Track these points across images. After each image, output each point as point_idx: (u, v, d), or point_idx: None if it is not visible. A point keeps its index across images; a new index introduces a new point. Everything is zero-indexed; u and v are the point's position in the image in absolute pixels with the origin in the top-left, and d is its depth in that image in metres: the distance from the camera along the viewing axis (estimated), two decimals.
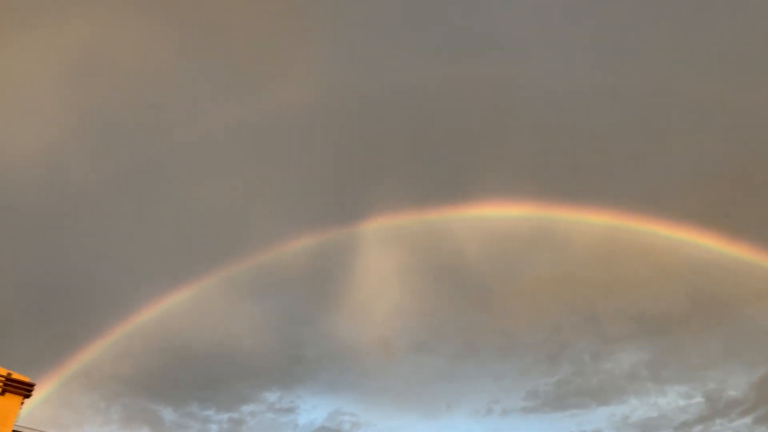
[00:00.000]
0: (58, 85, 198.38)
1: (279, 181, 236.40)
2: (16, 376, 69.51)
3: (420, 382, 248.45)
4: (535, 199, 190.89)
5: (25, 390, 69.74)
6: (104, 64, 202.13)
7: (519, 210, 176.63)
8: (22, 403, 69.25)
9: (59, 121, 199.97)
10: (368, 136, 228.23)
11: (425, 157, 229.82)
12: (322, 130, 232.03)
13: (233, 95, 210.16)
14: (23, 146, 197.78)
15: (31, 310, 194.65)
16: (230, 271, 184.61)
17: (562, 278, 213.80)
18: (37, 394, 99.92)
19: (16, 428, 68.41)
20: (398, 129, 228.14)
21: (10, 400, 68.10)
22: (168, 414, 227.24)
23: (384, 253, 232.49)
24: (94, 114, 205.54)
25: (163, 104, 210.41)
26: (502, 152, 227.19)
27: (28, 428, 70.78)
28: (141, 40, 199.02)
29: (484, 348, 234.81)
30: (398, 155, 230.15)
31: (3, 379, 67.96)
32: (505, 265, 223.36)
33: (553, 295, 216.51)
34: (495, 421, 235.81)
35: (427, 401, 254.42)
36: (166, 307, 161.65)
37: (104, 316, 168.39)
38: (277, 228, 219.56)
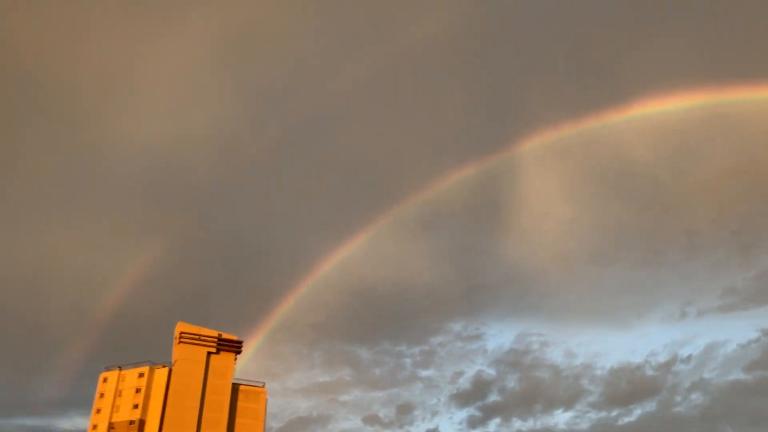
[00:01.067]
0: (215, 65, 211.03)
1: (430, 117, 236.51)
2: (226, 336, 77.92)
3: (604, 294, 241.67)
4: (702, 86, 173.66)
5: (235, 348, 78.01)
6: (251, 38, 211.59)
7: (685, 100, 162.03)
8: (235, 359, 77.59)
9: (222, 98, 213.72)
10: (513, 54, 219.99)
11: (576, 64, 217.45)
12: (465, 57, 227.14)
13: (371, 42, 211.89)
14: (196, 128, 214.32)
15: (231, 277, 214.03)
16: (398, 212, 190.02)
17: (743, 165, 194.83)
18: (247, 350, 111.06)
19: (234, 381, 76.95)
20: (544, 40, 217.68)
21: (225, 357, 76.52)
22: (364, 353, 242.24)
23: (546, 169, 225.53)
24: (250, 86, 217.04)
25: (309, 65, 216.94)
26: (658, 41, 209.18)
27: (244, 380, 79.25)
28: (277, 10, 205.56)
29: (669, 250, 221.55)
30: (547, 67, 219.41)
31: (215, 340, 76.41)
32: (678, 161, 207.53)
33: (736, 184, 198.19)
34: (691, 324, 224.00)
35: (615, 313, 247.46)
36: (345, 254, 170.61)
37: (291, 272, 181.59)
38: (436, 163, 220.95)
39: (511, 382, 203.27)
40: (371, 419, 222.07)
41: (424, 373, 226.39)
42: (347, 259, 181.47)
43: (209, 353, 76.09)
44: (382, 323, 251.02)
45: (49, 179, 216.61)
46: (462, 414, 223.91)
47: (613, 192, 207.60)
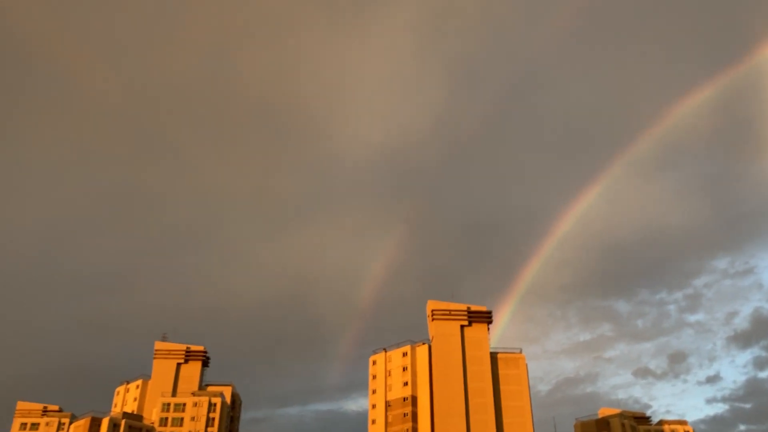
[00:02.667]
0: (416, 50, 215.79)
1: (648, 45, 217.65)
2: (475, 308, 79.88)
3: None
4: None
5: (486, 318, 79.67)
6: (446, 15, 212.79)
7: None
8: (488, 329, 79.22)
9: (429, 81, 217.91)
10: None
11: None
12: None
13: None
14: (410, 116, 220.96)
15: (472, 250, 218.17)
16: (632, 154, 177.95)
17: None
18: (500, 319, 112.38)
19: (491, 350, 78.61)
20: None
21: (477, 329, 78.56)
22: (622, 306, 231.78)
23: None
24: (453, 63, 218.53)
25: (510, 27, 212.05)
26: None
27: (501, 348, 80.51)
28: None
29: None
30: None
31: (465, 312, 78.76)
32: None
33: None
34: None
35: None
36: (583, 208, 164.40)
37: (530, 236, 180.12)
38: (664, 93, 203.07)
39: None
40: (642, 372, 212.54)
41: (692, 318, 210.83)
42: (585, 213, 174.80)
43: (462, 326, 78.72)
44: (635, 273, 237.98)
45: (299, 188, 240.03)
46: (745, 356, 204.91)
47: None
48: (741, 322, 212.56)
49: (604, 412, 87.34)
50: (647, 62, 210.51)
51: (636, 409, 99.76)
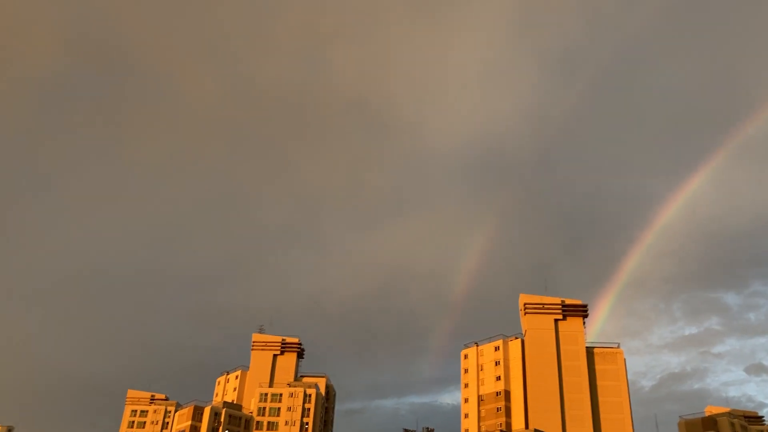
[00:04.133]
0: (512, 39, 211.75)
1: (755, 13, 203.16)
2: (569, 301, 77.52)
3: None
4: None
5: (581, 312, 77.12)
6: (540, 8, 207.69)
7: None
8: (584, 323, 76.66)
9: (523, 70, 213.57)
10: None
11: None
12: None
13: None
14: (502, 107, 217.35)
15: (569, 242, 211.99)
16: (741, 136, 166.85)
17: None
18: (600, 312, 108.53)
19: (588, 345, 76.02)
20: None
21: (572, 323, 76.21)
22: (731, 298, 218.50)
23: None
24: (547, 51, 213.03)
25: (602, 13, 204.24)
26: None
27: (597, 343, 77.71)
28: None
29: None
30: None
31: (560, 306, 76.54)
32: None
33: None
34: None
35: None
36: (688, 195, 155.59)
37: (631, 227, 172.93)
38: None
39: None
40: (756, 368, 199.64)
41: None
42: (690, 200, 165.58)
43: (556, 320, 76.46)
44: (746, 262, 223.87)
45: (392, 183, 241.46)
46: None
47: None
48: None
49: (711, 410, 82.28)
50: (753, 39, 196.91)
51: (749, 408, 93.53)
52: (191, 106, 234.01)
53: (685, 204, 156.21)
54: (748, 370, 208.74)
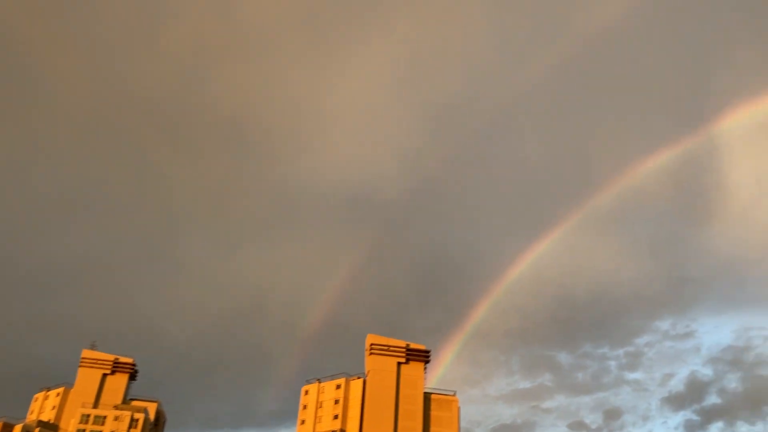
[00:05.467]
0: (395, 88, 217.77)
1: (615, 104, 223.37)
2: (414, 346, 78.92)
3: None
4: None
5: (424, 357, 78.67)
6: (428, 58, 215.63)
7: None
8: (425, 368, 78.16)
9: (403, 118, 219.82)
10: (701, 29, 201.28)
11: None
12: (647, 39, 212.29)
13: (546, 39, 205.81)
14: (380, 149, 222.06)
15: (423, 288, 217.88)
16: (589, 209, 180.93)
17: None
18: (444, 359, 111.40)
19: (426, 391, 77.40)
20: (735, 11, 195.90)
21: (414, 367, 77.45)
22: (564, 357, 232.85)
23: (751, 148, 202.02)
24: (429, 104, 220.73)
25: (484, 76, 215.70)
26: None
27: (435, 389, 79.43)
28: (452, 24, 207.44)
29: None
30: (740, 39, 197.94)
31: (404, 350, 77.66)
32: None
33: None
34: None
35: None
36: (536, 257, 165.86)
37: (482, 279, 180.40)
38: (627, 152, 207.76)
39: (732, 382, 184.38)
40: (577, 425, 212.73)
41: (630, 375, 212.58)
42: (539, 261, 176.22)
43: (399, 363, 77.52)
44: (581, 325, 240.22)
45: (258, 209, 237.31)
46: (677, 418, 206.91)
47: None
48: (676, 384, 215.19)
49: None
50: (612, 122, 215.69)
51: None
52: (57, 105, 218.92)
53: (533, 265, 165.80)
54: (571, 426, 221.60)
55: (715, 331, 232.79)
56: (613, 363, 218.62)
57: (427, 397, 77.37)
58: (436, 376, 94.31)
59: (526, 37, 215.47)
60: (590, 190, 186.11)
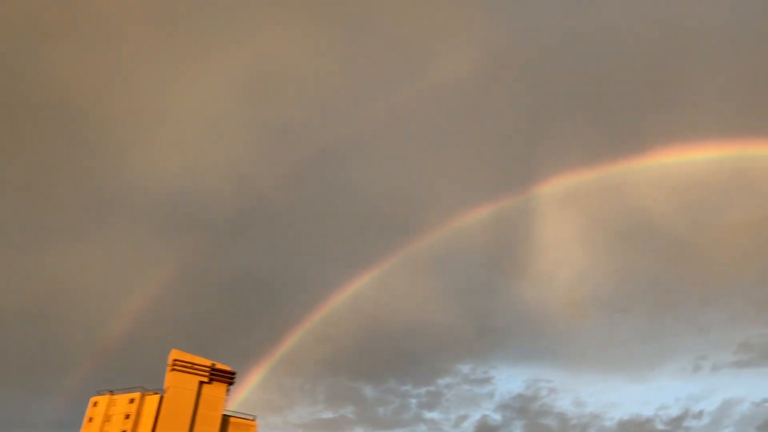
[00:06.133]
0: (238, 103, 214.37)
1: (448, 156, 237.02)
2: (220, 366, 77.04)
3: (617, 344, 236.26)
4: (724, 138, 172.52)
5: (228, 378, 77.03)
6: (274, 77, 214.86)
7: (706, 152, 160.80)
8: (227, 390, 76.53)
9: (241, 135, 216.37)
10: (532, 98, 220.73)
11: (594, 109, 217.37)
12: (485, 101, 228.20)
13: (394, 82, 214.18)
14: (213, 163, 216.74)
15: (238, 310, 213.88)
16: (410, 250, 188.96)
17: (760, 219, 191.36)
18: (250, 382, 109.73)
19: (226, 413, 75.78)
20: (562, 86, 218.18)
21: (217, 388, 75.55)
22: (369, 391, 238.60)
23: (562, 214, 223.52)
24: (268, 124, 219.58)
25: (331, 102, 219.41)
26: (680, 92, 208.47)
27: (236, 413, 77.99)
28: (303, 49, 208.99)
29: (684, 302, 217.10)
30: (565, 112, 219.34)
31: (208, 369, 75.61)
32: (697, 214, 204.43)
33: (757, 238, 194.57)
34: (705, 379, 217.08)
35: (627, 363, 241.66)
36: (355, 290, 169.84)
37: (299, 306, 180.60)
38: (452, 201, 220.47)
39: (517, 429, 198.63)
40: None
41: (428, 414, 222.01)
42: (357, 294, 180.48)
43: (201, 383, 75.21)
44: (389, 361, 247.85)
45: (77, 209, 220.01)
46: None
47: (629, 242, 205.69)
48: (468, 426, 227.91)
49: None
50: (440, 173, 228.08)
51: None
52: None
53: (351, 296, 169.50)
54: None
55: (510, 379, 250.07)
56: (414, 401, 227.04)
57: (225, 419, 75.58)
58: (239, 399, 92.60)
59: (374, 79, 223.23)
60: (417, 232, 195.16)
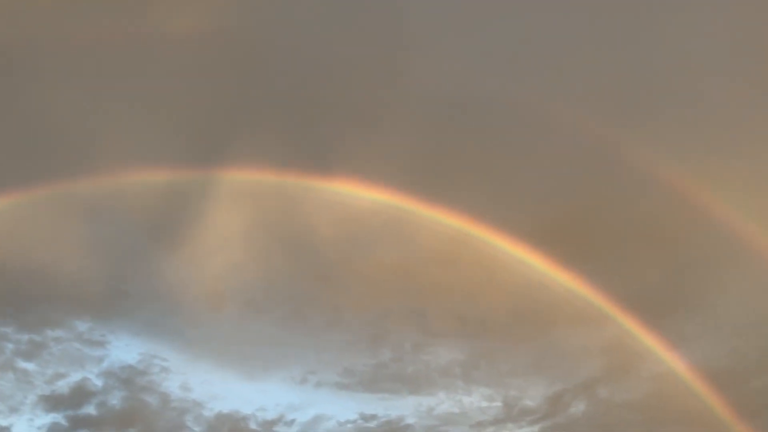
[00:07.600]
0: None
1: (140, 103, 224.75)
2: None
3: (242, 341, 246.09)
4: (393, 186, 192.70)
5: None
6: None
7: (375, 193, 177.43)
8: None
9: None
10: (245, 84, 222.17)
11: (296, 118, 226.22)
12: (199, 65, 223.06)
13: (118, 16, 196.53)
14: None
15: None
16: (67, 187, 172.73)
17: (400, 269, 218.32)
18: None
19: None
20: (274, 86, 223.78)
21: None
22: None
23: (235, 205, 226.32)
24: None
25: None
26: (376, 134, 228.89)
27: None
28: None
29: (312, 318, 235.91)
30: (268, 111, 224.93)
31: None
32: (351, 244, 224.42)
33: (388, 282, 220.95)
34: (308, 392, 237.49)
35: (245, 361, 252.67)
36: None
37: None
38: (127, 152, 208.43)
39: (115, 399, 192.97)
40: None
41: (23, 364, 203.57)
42: None
43: None
44: (2, 298, 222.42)
45: None
46: (46, 419, 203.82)
47: (286, 251, 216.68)
48: (63, 386, 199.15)
49: None
50: (123, 117, 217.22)
51: None
52: None
53: None
54: None
55: (126, 348, 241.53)
56: (11, 345, 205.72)
57: None
58: None
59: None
60: (81, 174, 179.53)
